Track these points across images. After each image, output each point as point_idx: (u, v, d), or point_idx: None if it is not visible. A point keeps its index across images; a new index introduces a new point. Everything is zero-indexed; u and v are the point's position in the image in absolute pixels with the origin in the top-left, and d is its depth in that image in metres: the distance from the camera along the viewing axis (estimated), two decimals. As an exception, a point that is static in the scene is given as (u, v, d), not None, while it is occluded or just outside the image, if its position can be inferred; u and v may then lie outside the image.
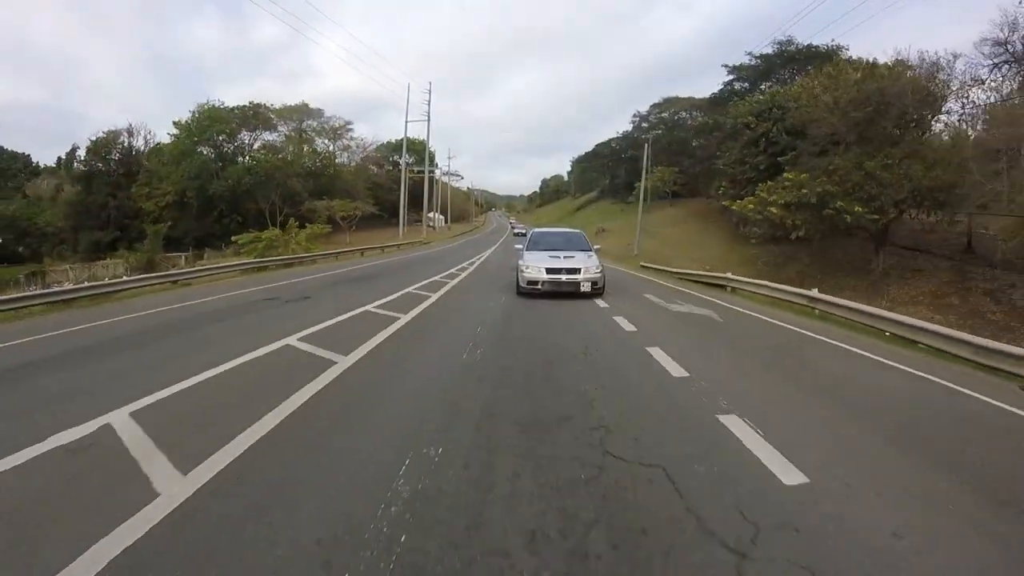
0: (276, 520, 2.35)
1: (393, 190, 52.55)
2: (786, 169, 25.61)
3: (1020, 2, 20.62)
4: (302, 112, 54.17)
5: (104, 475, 2.81)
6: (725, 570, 2.03)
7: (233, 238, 32.46)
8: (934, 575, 2.02)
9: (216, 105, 49.84)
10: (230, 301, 10.34)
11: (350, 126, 57.34)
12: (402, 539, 2.20)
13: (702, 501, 2.54)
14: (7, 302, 10.17)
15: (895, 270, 23.37)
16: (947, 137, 23.27)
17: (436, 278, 13.91)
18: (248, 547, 2.16)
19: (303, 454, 3.11)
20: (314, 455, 3.09)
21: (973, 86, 22.88)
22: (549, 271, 9.68)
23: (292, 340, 6.08)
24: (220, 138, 49.40)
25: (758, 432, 3.42)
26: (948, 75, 23.39)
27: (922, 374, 5.62)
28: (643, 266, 22.31)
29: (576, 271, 9.66)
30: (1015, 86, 22.38)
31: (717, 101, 46.77)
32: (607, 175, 70.20)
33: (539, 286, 9.64)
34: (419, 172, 51.33)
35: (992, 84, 23.03)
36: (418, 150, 56.91)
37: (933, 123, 24.55)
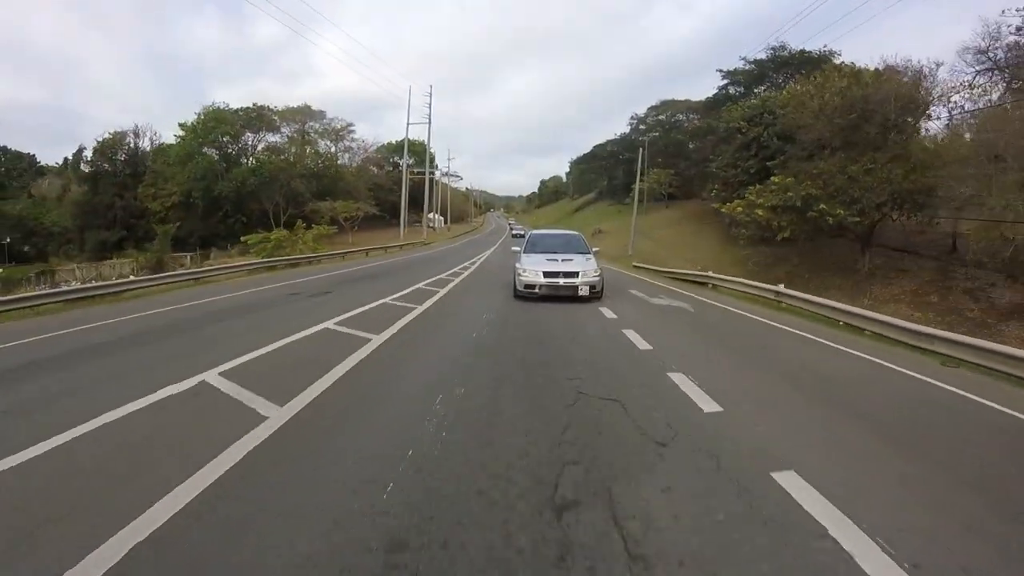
0: (361, 423, 3.70)
1: (393, 191, 53.45)
2: (775, 173, 26.57)
3: (1003, 12, 21.62)
4: (304, 114, 55.02)
5: (216, 410, 3.88)
6: (652, 452, 3.19)
7: (243, 238, 33.42)
8: (791, 455, 3.07)
9: (221, 107, 50.80)
10: (258, 296, 11.36)
11: (351, 128, 58.29)
12: (443, 435, 3.42)
13: (642, 418, 3.73)
14: (57, 294, 11.22)
15: (881, 270, 24.13)
16: (929, 144, 24.27)
17: (442, 276, 14.97)
18: (347, 438, 3.39)
19: (364, 392, 4.35)
20: (374, 391, 4.35)
21: (954, 93, 23.88)
22: (547, 274, 9.58)
23: (329, 324, 7.20)
24: (224, 139, 50.35)
25: (695, 383, 4.58)
26: (931, 83, 24.45)
27: (851, 350, 6.77)
28: (635, 266, 23.37)
29: (574, 274, 9.57)
30: (996, 94, 23.32)
31: (712, 105, 47.54)
32: (605, 177, 70.93)
33: (536, 290, 9.56)
34: (419, 173, 52.18)
35: (975, 91, 24.08)
36: (418, 151, 57.79)
37: (919, 127, 25.49)
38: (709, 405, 4.02)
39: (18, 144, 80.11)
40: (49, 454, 3.12)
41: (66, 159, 69.66)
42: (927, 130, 25.89)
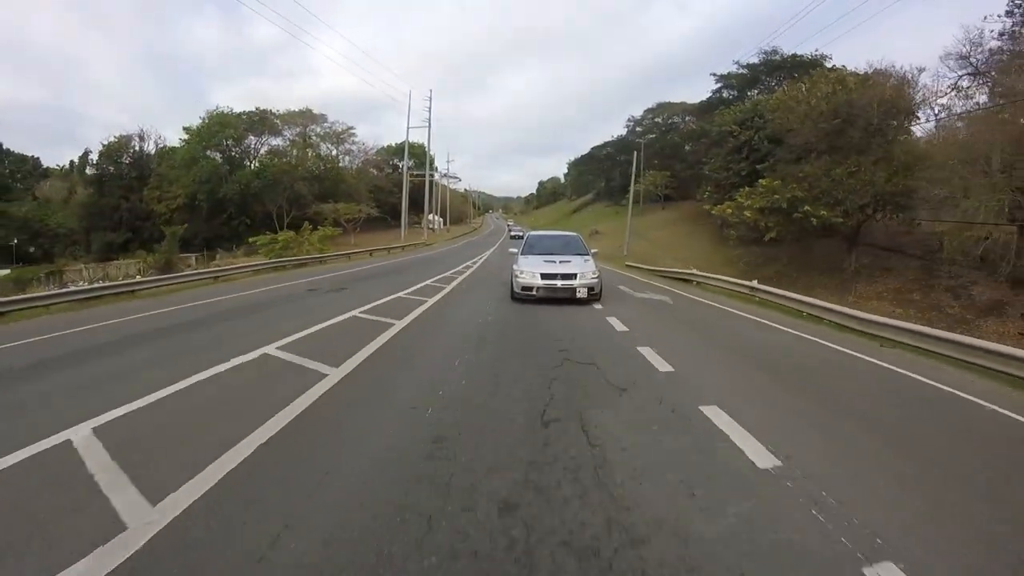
0: (399, 377, 4.88)
1: (393, 193, 54.42)
2: (764, 175, 27.58)
3: (984, 17, 22.67)
4: (306, 117, 55.92)
5: (283, 372, 4.95)
6: (614, 393, 4.37)
7: (251, 239, 34.45)
8: (718, 396, 4.11)
9: (225, 111, 51.82)
10: (280, 292, 12.42)
11: (352, 131, 59.28)
12: (463, 382, 4.63)
13: (610, 374, 4.94)
14: (79, 292, 12.16)
15: (867, 269, 24.87)
16: (908, 148, 25.25)
17: (446, 274, 16.11)
18: (390, 386, 4.53)
19: (397, 359, 5.59)
20: (405, 357, 5.67)
21: (937, 98, 24.92)
22: (544, 276, 9.56)
23: (356, 312, 8.36)
24: (228, 143, 51.33)
25: (657, 353, 5.79)
26: (914, 88, 25.48)
27: (798, 333, 7.98)
28: (628, 265, 24.43)
29: (572, 276, 9.55)
30: (982, 97, 24.27)
31: (706, 108, 48.32)
32: (602, 178, 71.71)
33: (533, 292, 9.56)
34: (418, 175, 53.18)
35: (961, 92, 25.10)
36: (417, 154, 58.78)
37: (911, 129, 26.44)
38: (664, 367, 5.23)
39: (18, 144, 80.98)
40: (181, 392, 4.37)
41: (71, 162, 70.57)
42: (918, 133, 26.82)
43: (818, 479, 2.85)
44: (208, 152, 49.77)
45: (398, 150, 61.97)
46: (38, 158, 73.27)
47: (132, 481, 2.76)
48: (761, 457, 3.09)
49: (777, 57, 43.13)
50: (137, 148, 54.32)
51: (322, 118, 56.84)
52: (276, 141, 54.47)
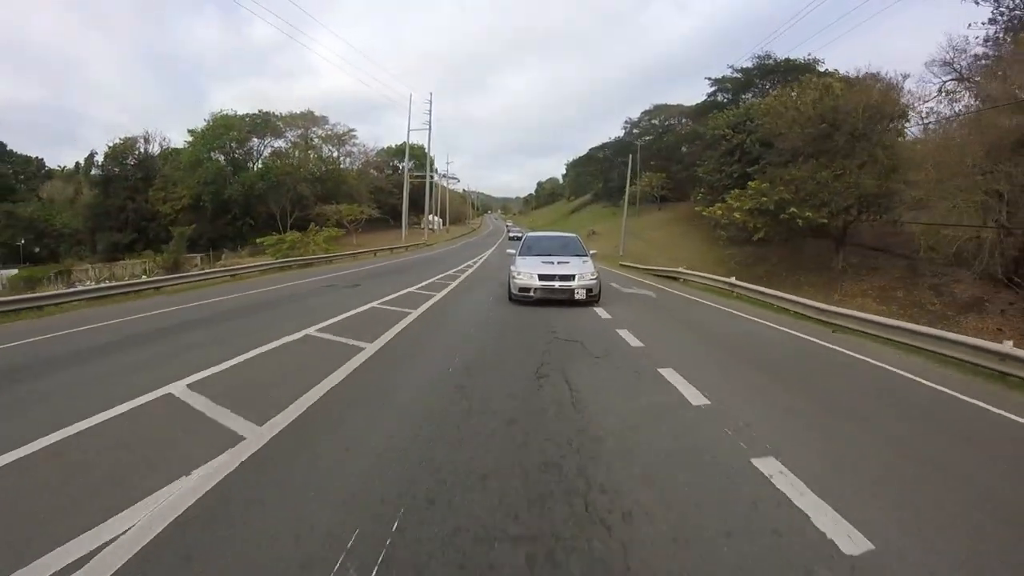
0: (423, 350, 6.06)
1: (393, 193, 55.40)
2: (755, 178, 28.58)
3: (968, 25, 23.68)
4: (308, 119, 56.89)
5: (325, 347, 6.02)
6: (592, 360, 5.50)
7: (258, 240, 35.49)
8: (675, 362, 5.13)
9: (229, 114, 52.78)
10: (301, 287, 13.45)
11: (353, 132, 60.23)
12: (474, 353, 5.79)
13: (591, 347, 6.17)
14: (115, 287, 13.18)
15: (854, 268, 25.69)
16: (888, 152, 26.24)
17: (450, 272, 17.26)
18: (415, 358, 5.63)
19: (418, 336, 6.91)
20: (425, 334, 7.03)
21: (921, 103, 25.91)
22: (542, 277, 9.52)
23: (375, 304, 9.49)
24: (232, 145, 52.29)
25: (632, 333, 7.00)
26: (898, 94, 26.46)
27: (758, 320, 9.16)
28: (622, 264, 25.54)
29: (570, 278, 9.51)
30: (969, 102, 25.23)
31: (701, 111, 49.12)
32: (600, 179, 72.39)
33: (531, 293, 9.51)
34: (419, 177, 54.13)
35: (949, 96, 26.08)
36: (417, 155, 59.74)
37: (885, 134, 27.42)
38: (635, 343, 6.46)
39: (18, 144, 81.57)
40: (249, 360, 5.46)
41: (77, 163, 71.43)
42: (912, 135, 27.72)
43: (734, 412, 3.96)
44: (212, 154, 50.71)
45: (398, 151, 62.94)
46: (42, 159, 74.32)
47: (235, 413, 3.81)
48: (696, 399, 4.20)
49: (770, 61, 44.08)
50: (142, 150, 55.19)
51: (323, 120, 57.84)
52: (279, 143, 55.45)
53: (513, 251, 11.51)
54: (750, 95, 45.31)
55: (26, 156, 73.04)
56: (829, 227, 25.31)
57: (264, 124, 53.61)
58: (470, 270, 18.78)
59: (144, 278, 19.10)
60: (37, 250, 59.37)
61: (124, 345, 6.45)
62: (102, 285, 13.47)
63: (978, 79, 24.99)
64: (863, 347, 7.17)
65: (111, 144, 53.95)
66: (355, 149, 60.91)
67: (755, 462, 3.06)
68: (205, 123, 51.91)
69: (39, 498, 2.67)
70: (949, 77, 26.43)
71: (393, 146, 68.01)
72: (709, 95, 49.62)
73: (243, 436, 3.39)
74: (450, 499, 2.61)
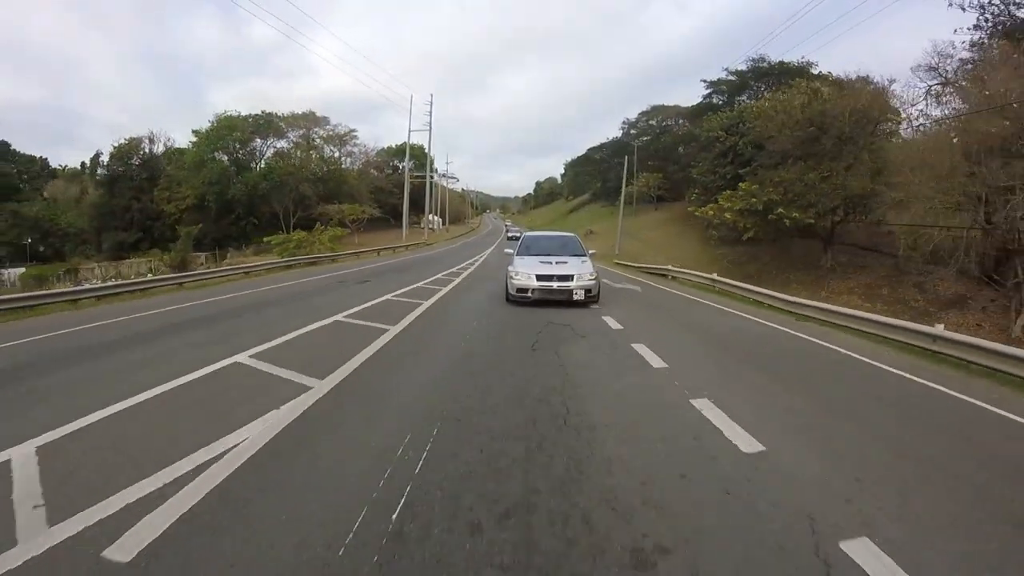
0: (436, 333, 7.19)
1: (394, 193, 56.20)
2: (746, 180, 29.52)
3: (955, 31, 24.63)
4: (309, 120, 57.63)
5: (354, 330, 7.03)
6: (579, 338, 6.69)
7: (265, 239, 36.46)
8: (647, 340, 6.17)
9: (232, 115, 53.58)
10: (313, 283, 14.46)
11: (354, 133, 61.05)
12: (480, 334, 6.87)
13: (578, 328, 7.36)
14: (139, 283, 14.09)
15: (842, 266, 26.42)
16: (871, 157, 27.18)
17: (452, 269, 18.35)
18: (430, 337, 6.84)
19: (430, 322, 7.99)
20: (436, 320, 8.21)
21: (909, 106, 26.84)
22: (540, 277, 9.44)
23: (388, 297, 10.55)
24: (235, 145, 53.10)
25: (614, 319, 8.16)
26: (887, 97, 27.35)
27: (731, 310, 10.26)
28: (616, 263, 26.61)
29: (568, 278, 9.43)
30: (948, 108, 26.14)
31: (697, 113, 49.67)
32: (599, 179, 73.16)
33: (529, 294, 9.42)
34: (418, 177, 54.94)
35: (929, 104, 27.01)
36: (417, 155, 60.59)
37: (871, 137, 28.32)
38: (616, 326, 7.59)
39: (18, 144, 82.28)
40: (294, 339, 6.50)
41: (82, 163, 72.24)
42: (902, 137, 28.57)
43: (686, 372, 5.07)
44: (216, 154, 51.48)
45: (398, 151, 63.81)
46: (46, 159, 75.15)
47: (300, 373, 4.87)
48: (657, 363, 5.33)
49: (765, 64, 44.86)
50: (147, 150, 56.03)
51: (325, 120, 58.62)
52: (281, 143, 56.22)
53: (511, 251, 11.42)
54: (745, 97, 46.08)
55: (30, 156, 73.85)
56: (816, 227, 26.19)
57: (267, 125, 54.35)
58: (471, 268, 19.82)
59: (150, 276, 20.02)
60: (42, 249, 60.20)
61: (181, 329, 7.48)
62: (126, 282, 14.45)
63: (963, 83, 26.04)
64: (822, 333, 8.24)
65: (116, 144, 54.85)
66: (356, 149, 61.68)
67: (692, 401, 4.13)
68: (209, 124, 52.71)
69: (172, 423, 3.71)
70: (935, 82, 27.44)
71: (393, 146, 68.84)
72: (705, 97, 50.30)
73: (309, 386, 4.43)
74: (471, 419, 3.72)
